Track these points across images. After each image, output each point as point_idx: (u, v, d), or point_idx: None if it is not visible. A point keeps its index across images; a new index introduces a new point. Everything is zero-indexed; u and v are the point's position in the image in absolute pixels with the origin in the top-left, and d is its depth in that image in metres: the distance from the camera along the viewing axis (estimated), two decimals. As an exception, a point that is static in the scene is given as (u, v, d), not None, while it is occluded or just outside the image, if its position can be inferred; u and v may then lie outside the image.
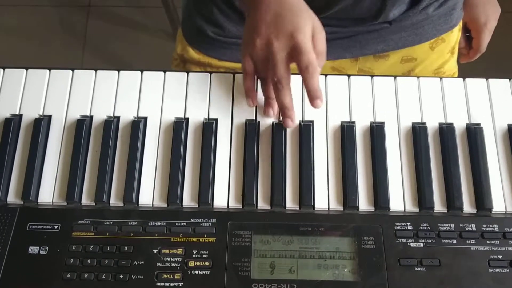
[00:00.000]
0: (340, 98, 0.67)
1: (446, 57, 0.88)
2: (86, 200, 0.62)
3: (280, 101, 0.63)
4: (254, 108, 0.67)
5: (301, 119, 0.66)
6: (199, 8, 0.82)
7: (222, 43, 0.80)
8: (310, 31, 0.62)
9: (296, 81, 0.66)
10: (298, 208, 0.62)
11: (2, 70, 0.69)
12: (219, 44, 0.81)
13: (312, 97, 0.62)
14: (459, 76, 0.70)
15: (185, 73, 0.69)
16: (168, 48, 1.70)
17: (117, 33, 1.77)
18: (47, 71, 0.69)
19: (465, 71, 0.70)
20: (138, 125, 0.65)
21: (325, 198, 0.62)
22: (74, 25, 1.80)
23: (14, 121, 0.65)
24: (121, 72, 0.69)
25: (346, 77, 0.69)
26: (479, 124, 0.66)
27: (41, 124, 0.65)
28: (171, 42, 1.74)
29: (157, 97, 0.67)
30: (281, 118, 0.65)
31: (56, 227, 0.59)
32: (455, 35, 0.87)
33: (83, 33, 1.78)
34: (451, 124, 0.66)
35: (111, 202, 0.62)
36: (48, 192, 0.63)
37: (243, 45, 0.65)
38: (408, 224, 0.60)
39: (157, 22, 1.77)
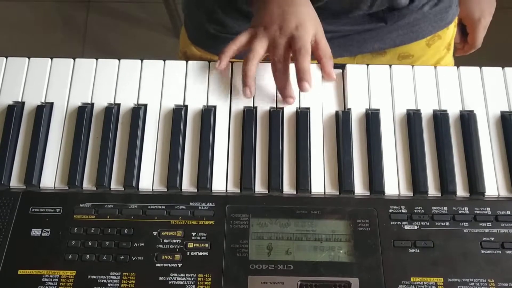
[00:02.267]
0: (336, 86, 0.69)
1: (442, 53, 0.89)
2: (87, 185, 0.64)
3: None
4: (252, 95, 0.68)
5: (298, 106, 0.67)
6: (200, 5, 0.83)
7: (223, 39, 0.82)
8: (312, 31, 0.66)
9: (292, 69, 0.67)
10: (295, 192, 0.63)
11: (5, 59, 0.70)
12: (220, 41, 0.82)
13: (301, 77, 0.65)
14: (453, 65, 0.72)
15: (184, 62, 0.70)
16: (167, 43, 1.72)
17: (117, 28, 1.78)
18: (49, 59, 0.70)
19: (461, 63, 0.71)
20: (138, 112, 0.66)
21: (321, 182, 0.63)
22: (74, 20, 1.81)
23: (16, 108, 0.66)
24: (122, 60, 0.70)
25: (342, 65, 0.70)
26: (472, 111, 0.67)
27: (43, 111, 0.66)
28: (170, 37, 1.76)
29: (157, 85, 0.69)
30: (278, 105, 0.67)
31: (58, 210, 0.61)
32: (451, 32, 0.89)
33: (83, 28, 1.79)
34: (445, 111, 0.67)
35: (111, 186, 0.63)
36: (50, 177, 0.64)
37: (249, 28, 0.68)
38: (403, 207, 0.61)
39: (157, 18, 1.78)
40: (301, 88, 0.65)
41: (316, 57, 0.68)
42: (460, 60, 0.98)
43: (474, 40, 0.97)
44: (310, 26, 0.66)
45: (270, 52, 0.66)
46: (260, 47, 0.66)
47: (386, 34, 0.82)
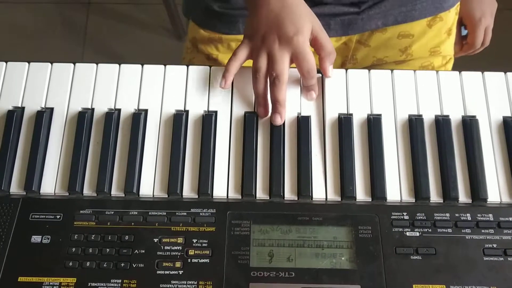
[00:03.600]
0: (337, 91, 0.68)
1: (443, 37, 0.89)
2: (87, 191, 0.63)
3: (274, 96, 0.65)
4: (253, 100, 0.67)
5: (299, 112, 0.67)
6: None
7: (229, 16, 0.82)
8: (310, 32, 0.66)
9: (294, 73, 0.67)
10: (296, 199, 0.63)
11: (4, 63, 0.70)
12: (227, 18, 0.83)
13: (308, 91, 0.67)
14: (455, 70, 0.71)
15: (185, 67, 0.70)
16: (168, 45, 1.72)
17: (117, 30, 1.78)
18: (49, 64, 0.69)
19: (463, 67, 0.71)
20: (138, 117, 0.66)
21: (323, 188, 0.63)
22: (74, 22, 1.81)
23: (16, 113, 0.66)
24: (122, 65, 0.70)
25: (344, 70, 0.70)
26: (474, 116, 0.67)
27: (43, 116, 0.65)
28: (171, 39, 1.76)
29: (158, 90, 0.68)
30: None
31: (58, 216, 0.60)
32: (452, 16, 0.89)
33: (83, 30, 1.79)
34: (447, 116, 0.67)
35: (112, 193, 0.63)
36: (50, 183, 0.64)
37: (244, 38, 0.68)
38: (405, 213, 0.61)
39: (157, 19, 1.78)
40: (308, 97, 0.67)
41: (316, 51, 0.68)
42: (462, 63, 0.98)
43: (474, 40, 0.97)
44: (306, 27, 0.65)
45: (269, 65, 0.65)
46: (263, 63, 0.65)
47: (390, 10, 0.82)
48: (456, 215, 0.60)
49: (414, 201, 0.63)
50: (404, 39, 0.87)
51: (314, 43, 0.67)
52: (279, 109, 0.64)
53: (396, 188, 0.63)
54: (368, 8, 0.82)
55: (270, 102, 0.66)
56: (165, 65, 0.70)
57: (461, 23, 0.97)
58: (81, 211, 0.61)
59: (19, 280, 0.57)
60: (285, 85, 0.65)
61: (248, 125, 0.66)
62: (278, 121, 0.65)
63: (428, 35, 0.87)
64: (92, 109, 0.67)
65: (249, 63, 0.73)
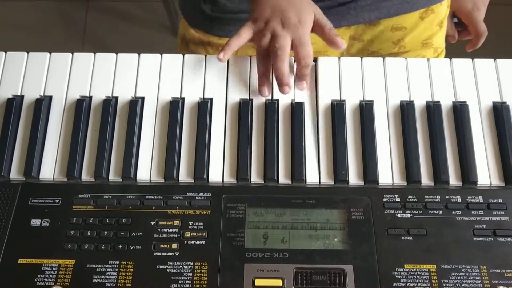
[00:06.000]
0: (330, 78, 0.70)
1: (434, 29, 0.90)
2: (86, 176, 0.65)
3: (278, 69, 0.66)
4: (248, 87, 0.69)
5: (293, 98, 0.68)
6: None
7: (220, 19, 0.83)
8: (312, 22, 0.68)
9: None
10: (290, 183, 0.64)
11: (4, 53, 0.71)
12: (217, 20, 0.83)
13: (301, 79, 0.68)
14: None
15: (181, 55, 0.71)
16: (166, 42, 1.73)
17: (116, 27, 1.79)
18: (48, 54, 0.71)
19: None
20: (135, 105, 0.67)
21: (316, 172, 0.64)
22: (73, 19, 1.82)
23: (16, 101, 0.67)
24: (119, 54, 0.71)
25: (337, 58, 0.71)
26: (465, 102, 0.68)
27: (42, 104, 0.67)
28: (169, 36, 1.77)
29: (154, 78, 0.70)
30: (274, 97, 0.68)
31: (57, 201, 0.62)
32: (444, 9, 0.90)
33: (83, 28, 1.80)
34: (438, 102, 0.68)
35: (110, 178, 0.64)
36: (49, 168, 0.65)
37: (248, 20, 0.69)
38: (396, 196, 0.62)
39: (155, 16, 1.79)
40: (299, 87, 0.69)
41: (317, 34, 0.69)
42: (454, 54, 0.99)
43: (476, 28, 0.95)
44: (309, 19, 0.68)
45: (271, 42, 0.67)
46: (267, 43, 0.67)
47: (382, 2, 0.83)
48: (447, 197, 0.62)
49: (405, 184, 0.64)
50: (397, 32, 0.88)
51: (315, 27, 0.69)
52: (285, 81, 0.66)
53: (388, 172, 0.64)
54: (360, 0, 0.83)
55: (270, 84, 0.68)
56: (161, 54, 0.71)
57: (453, 16, 0.98)
58: (79, 196, 0.62)
59: (19, 262, 0.58)
60: (287, 58, 0.66)
61: (242, 111, 0.67)
62: (287, 90, 0.67)
63: (420, 27, 0.89)
64: (90, 97, 0.68)
65: (245, 52, 0.75)
